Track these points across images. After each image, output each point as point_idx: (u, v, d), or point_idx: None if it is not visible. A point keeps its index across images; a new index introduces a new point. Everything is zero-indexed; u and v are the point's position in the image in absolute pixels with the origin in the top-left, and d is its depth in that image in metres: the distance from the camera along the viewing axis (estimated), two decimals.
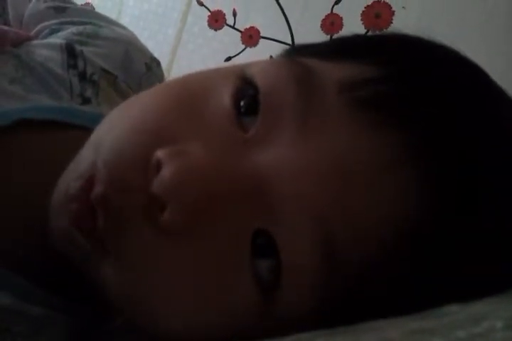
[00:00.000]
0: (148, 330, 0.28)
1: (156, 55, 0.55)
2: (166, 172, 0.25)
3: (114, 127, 0.29)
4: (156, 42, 1.41)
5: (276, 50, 0.37)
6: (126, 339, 0.33)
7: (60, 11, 0.52)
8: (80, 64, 0.44)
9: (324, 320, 0.25)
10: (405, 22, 1.11)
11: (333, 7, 1.24)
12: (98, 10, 0.60)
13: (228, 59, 1.36)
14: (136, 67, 0.50)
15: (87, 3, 1.47)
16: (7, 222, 0.32)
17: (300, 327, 0.24)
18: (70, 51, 0.44)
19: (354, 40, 0.35)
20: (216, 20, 1.39)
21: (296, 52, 0.35)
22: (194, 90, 0.30)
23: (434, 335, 0.19)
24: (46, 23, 0.50)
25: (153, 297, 0.27)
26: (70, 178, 0.28)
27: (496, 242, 0.26)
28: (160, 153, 0.26)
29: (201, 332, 0.27)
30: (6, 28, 0.46)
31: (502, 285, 0.25)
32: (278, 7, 1.30)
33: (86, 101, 0.42)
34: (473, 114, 0.27)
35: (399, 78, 0.28)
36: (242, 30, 1.36)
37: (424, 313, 0.22)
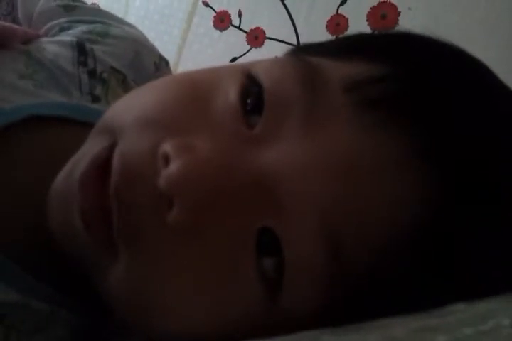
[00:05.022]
0: (149, 330, 0.28)
1: None
2: (173, 168, 0.25)
3: (123, 117, 0.29)
4: (161, 42, 1.41)
5: (281, 50, 0.37)
6: (127, 339, 0.33)
7: (69, 9, 0.52)
8: (90, 61, 0.44)
9: (329, 318, 0.25)
10: (411, 23, 1.11)
11: (338, 8, 1.23)
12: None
13: (234, 59, 1.35)
14: (145, 66, 0.50)
15: (94, 4, 1.47)
16: (7, 221, 0.32)
17: (305, 324, 0.24)
18: (81, 48, 0.44)
19: (360, 38, 0.35)
20: (222, 21, 1.39)
21: (301, 51, 0.36)
22: (201, 85, 0.30)
23: (440, 333, 0.19)
24: (56, 21, 0.50)
25: (161, 295, 0.27)
26: (77, 165, 0.28)
27: (502, 241, 0.26)
28: (166, 145, 0.26)
29: (206, 330, 0.27)
30: (15, 26, 0.46)
31: (508, 284, 0.25)
32: (283, 8, 1.30)
33: (96, 99, 0.42)
34: (479, 114, 0.27)
35: (404, 77, 0.28)
36: (248, 30, 1.36)
37: (429, 312, 0.22)
